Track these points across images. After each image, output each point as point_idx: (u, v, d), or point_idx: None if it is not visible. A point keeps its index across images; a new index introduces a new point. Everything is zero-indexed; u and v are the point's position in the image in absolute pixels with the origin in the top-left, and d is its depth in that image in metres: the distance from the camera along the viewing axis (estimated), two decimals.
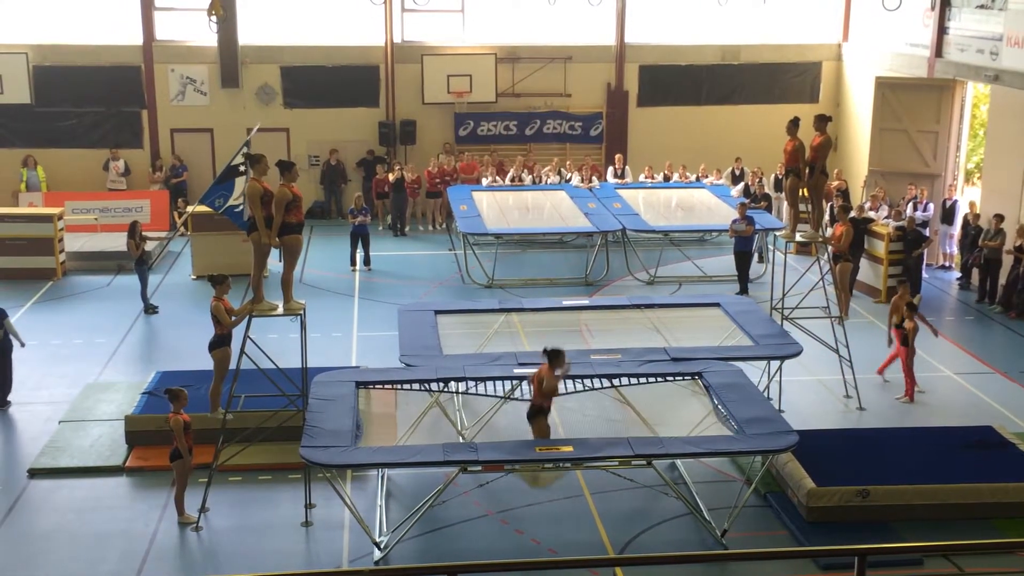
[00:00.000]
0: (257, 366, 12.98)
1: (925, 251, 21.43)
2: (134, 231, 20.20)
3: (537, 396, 12.56)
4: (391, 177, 25.35)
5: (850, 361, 16.21)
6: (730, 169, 25.82)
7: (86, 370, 17.34)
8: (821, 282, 16.67)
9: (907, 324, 16.32)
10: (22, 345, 16.22)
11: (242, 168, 13.64)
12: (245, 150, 13.58)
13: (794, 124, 15.76)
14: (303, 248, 13.62)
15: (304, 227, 12.88)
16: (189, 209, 22.16)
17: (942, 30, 22.38)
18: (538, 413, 12.55)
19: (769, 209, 23.75)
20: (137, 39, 26.19)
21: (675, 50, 27.61)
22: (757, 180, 24.62)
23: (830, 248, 17.86)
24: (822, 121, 15.72)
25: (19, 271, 21.73)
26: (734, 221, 21.34)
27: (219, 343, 13.18)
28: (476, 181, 25.85)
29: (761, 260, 22.62)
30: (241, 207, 13.42)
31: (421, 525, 12.58)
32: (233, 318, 13.12)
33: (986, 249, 20.69)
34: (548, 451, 12.18)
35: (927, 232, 21.75)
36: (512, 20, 27.13)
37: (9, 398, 16.00)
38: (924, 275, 21.48)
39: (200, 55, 26.32)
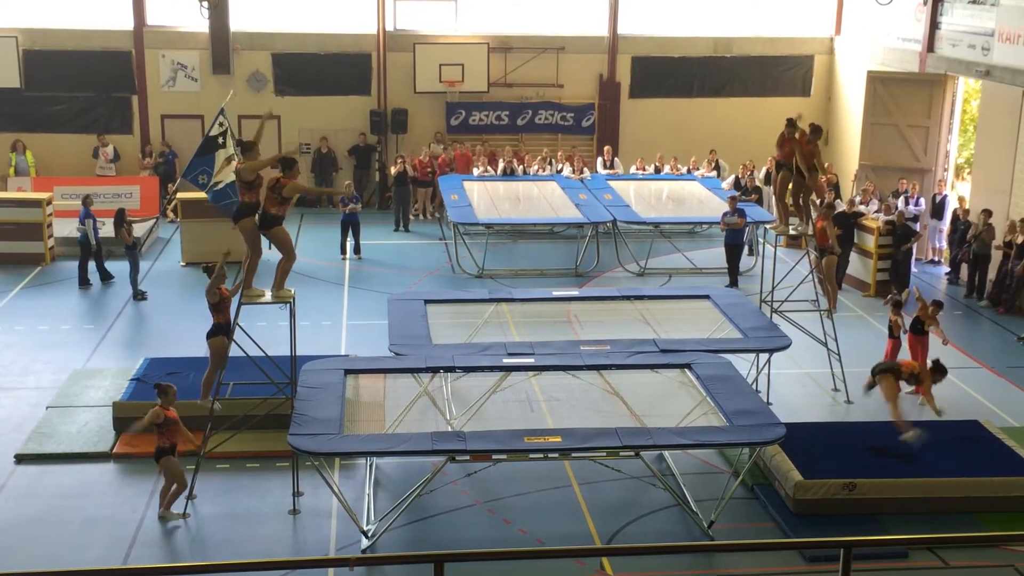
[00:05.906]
0: (246, 354, 12.96)
1: (914, 246, 21.48)
2: (122, 218, 20.13)
3: None
4: (393, 171, 25.22)
5: (838, 354, 16.26)
6: (734, 177, 25.07)
7: (74, 356, 17.30)
8: (811, 275, 16.70)
9: (892, 318, 16.38)
10: (95, 244, 20.22)
11: (220, 140, 13.56)
12: (221, 119, 13.51)
13: (791, 125, 15.83)
14: (294, 237, 13.55)
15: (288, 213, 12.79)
16: (178, 195, 22.07)
17: (934, 25, 22.39)
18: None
19: (760, 202, 23.77)
20: (128, 24, 26.07)
21: (668, 42, 27.59)
22: (748, 173, 24.63)
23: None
24: (815, 134, 15.85)
25: (8, 256, 21.66)
26: (725, 214, 21.35)
27: (217, 331, 13.12)
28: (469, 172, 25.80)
29: (751, 253, 22.65)
30: (223, 185, 13.36)
31: (409, 514, 12.60)
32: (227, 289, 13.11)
33: (975, 244, 20.74)
34: (537, 441, 12.20)
35: (917, 227, 21.80)
36: (505, 10, 27.07)
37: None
38: (913, 270, 21.53)
39: (191, 41, 26.21)
